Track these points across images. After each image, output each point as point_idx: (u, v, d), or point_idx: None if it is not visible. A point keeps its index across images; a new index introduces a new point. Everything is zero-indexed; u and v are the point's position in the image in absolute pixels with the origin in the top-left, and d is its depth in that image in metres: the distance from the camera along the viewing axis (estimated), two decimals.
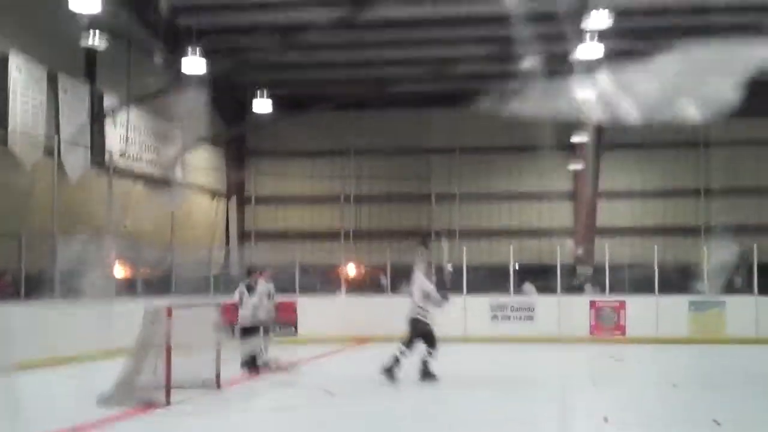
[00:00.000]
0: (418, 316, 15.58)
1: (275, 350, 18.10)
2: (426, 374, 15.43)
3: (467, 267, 26.18)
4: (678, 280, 26.88)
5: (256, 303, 17.20)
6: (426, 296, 15.60)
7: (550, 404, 13.37)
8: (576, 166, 32.94)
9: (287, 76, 32.01)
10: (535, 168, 33.16)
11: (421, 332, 15.53)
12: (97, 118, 24.89)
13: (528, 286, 26.57)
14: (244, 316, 17.04)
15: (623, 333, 25.46)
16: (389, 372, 15.38)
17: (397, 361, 15.43)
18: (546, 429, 11.23)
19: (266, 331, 17.80)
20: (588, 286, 27.74)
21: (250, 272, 17.81)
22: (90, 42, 23.64)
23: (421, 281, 15.77)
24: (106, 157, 24.88)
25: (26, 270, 19.06)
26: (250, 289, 17.26)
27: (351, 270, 30.40)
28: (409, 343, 15.57)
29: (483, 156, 33.33)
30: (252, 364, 16.94)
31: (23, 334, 16.72)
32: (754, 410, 12.89)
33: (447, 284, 26.30)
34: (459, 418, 12.21)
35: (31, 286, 18.97)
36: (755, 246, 25.90)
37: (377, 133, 33.66)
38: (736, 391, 15.24)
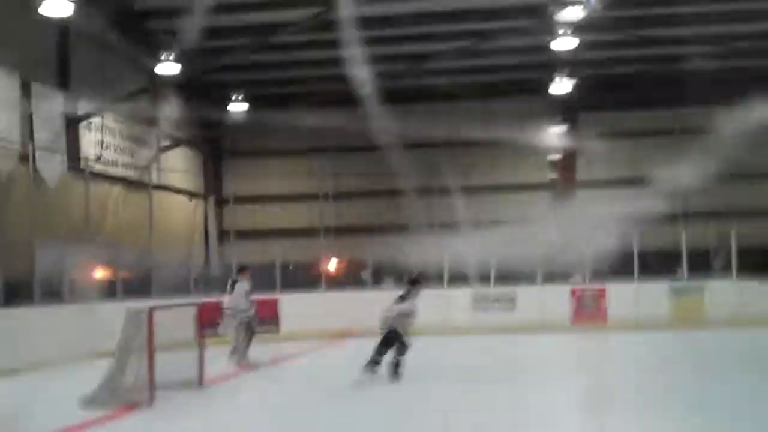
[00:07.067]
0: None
1: (257, 348, 18.18)
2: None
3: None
4: (658, 266, 27.02)
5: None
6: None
7: (534, 393, 13.42)
8: (554, 156, 33.12)
9: (261, 76, 31.96)
10: (514, 162, 33.26)
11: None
12: (72, 123, 24.78)
13: None
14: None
15: (605, 320, 25.57)
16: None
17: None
18: (528, 417, 11.27)
19: (249, 329, 17.89)
20: (574, 277, 27.72)
21: (240, 270, 18.49)
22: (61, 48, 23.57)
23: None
24: (82, 162, 24.78)
25: (5, 277, 18.98)
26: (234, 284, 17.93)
27: (332, 265, 30.40)
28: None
29: (462, 150, 33.28)
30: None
31: (4, 340, 16.76)
32: (738, 392, 12.98)
33: None
34: (442, 410, 12.27)
35: (10, 292, 18.93)
36: (732, 231, 26.15)
37: (354, 131, 33.57)
38: (721, 374, 15.32)
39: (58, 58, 24.26)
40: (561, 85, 27.96)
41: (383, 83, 30.84)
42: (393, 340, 15.10)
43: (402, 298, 15.55)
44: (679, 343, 21.83)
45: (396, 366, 15.06)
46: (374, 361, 15.01)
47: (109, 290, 22.86)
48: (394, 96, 32.63)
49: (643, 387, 13.86)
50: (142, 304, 14.95)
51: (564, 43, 25.14)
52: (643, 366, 16.85)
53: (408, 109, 33.32)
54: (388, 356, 15.11)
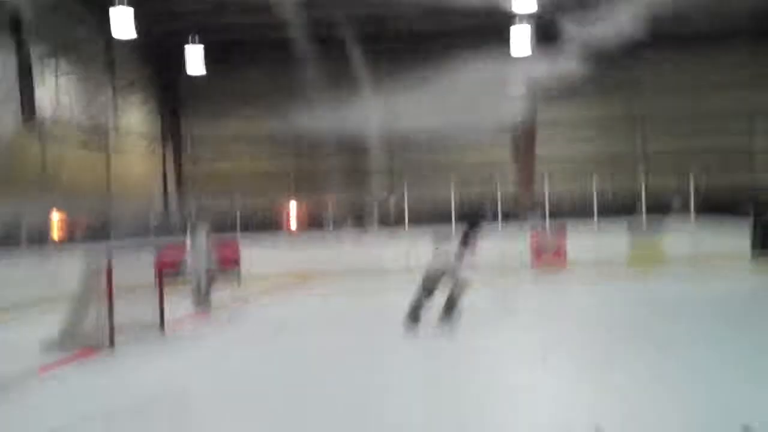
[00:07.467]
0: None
1: (219, 291, 18.20)
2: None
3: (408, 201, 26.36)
4: (618, 207, 27.21)
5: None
6: None
7: (492, 339, 13.37)
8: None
9: (218, 21, 31.53)
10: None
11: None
12: (25, 76, 24.33)
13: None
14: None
15: (564, 261, 25.75)
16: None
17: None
18: (484, 365, 11.33)
19: (210, 274, 17.88)
20: (534, 220, 27.75)
21: (199, 215, 18.36)
22: None
23: None
24: (37, 114, 24.43)
25: None
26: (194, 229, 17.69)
27: (293, 209, 30.34)
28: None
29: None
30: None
31: None
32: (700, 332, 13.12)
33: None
34: (397, 352, 12.33)
35: None
36: (691, 172, 26.33)
37: (312, 74, 33.28)
38: (679, 315, 15.35)
39: (8, 9, 23.80)
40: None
41: (344, 29, 30.87)
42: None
43: (464, 245, 14.00)
44: (638, 284, 21.93)
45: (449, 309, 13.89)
46: (416, 309, 13.82)
47: (69, 237, 22.72)
48: (358, 40, 32.62)
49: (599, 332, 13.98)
50: (101, 249, 14.86)
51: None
52: (600, 309, 16.93)
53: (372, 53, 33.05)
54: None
